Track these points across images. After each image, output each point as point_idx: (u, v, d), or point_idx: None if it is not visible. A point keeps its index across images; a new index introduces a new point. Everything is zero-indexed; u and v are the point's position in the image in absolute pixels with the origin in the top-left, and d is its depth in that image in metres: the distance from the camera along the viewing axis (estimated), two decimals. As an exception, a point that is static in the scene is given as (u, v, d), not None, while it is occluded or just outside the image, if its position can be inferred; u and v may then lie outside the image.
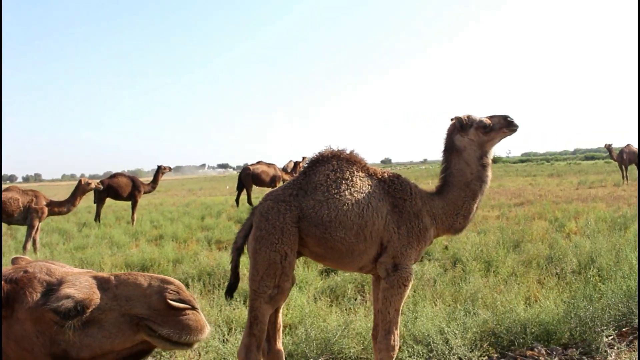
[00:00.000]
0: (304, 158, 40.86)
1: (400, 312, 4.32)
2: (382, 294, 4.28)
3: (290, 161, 27.30)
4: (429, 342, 5.43)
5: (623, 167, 27.98)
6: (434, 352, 5.34)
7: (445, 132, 4.63)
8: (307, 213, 4.28)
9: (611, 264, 7.77)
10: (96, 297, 3.03)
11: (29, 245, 13.09)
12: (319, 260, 4.49)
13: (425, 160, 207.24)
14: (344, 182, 4.39)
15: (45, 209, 13.50)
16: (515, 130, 4.49)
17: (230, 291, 4.58)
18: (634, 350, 5.46)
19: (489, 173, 4.56)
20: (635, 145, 27.76)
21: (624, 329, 5.88)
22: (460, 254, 9.55)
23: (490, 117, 4.47)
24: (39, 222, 13.39)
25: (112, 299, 3.14)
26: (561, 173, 45.17)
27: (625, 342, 5.47)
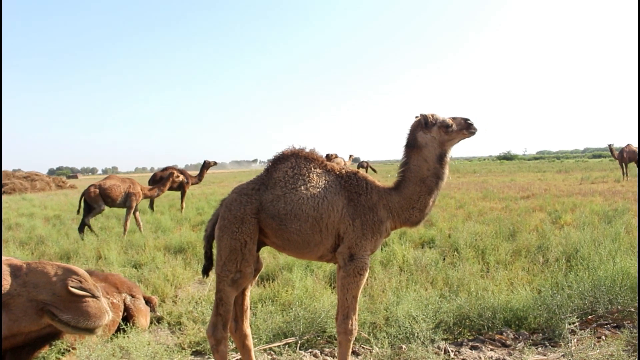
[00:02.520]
0: (335, 155, 41.36)
1: (357, 298, 4.16)
2: (340, 282, 4.14)
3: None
4: (400, 325, 5.27)
5: (623, 164, 27.58)
6: (402, 334, 5.17)
7: (409, 128, 4.41)
8: (266, 206, 4.18)
9: (592, 255, 7.45)
10: (6, 283, 2.96)
11: (129, 224, 13.99)
12: (281, 250, 4.37)
13: (449, 157, 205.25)
14: (300, 177, 4.26)
15: (141, 193, 14.44)
16: (473, 133, 4.25)
17: (205, 271, 4.51)
18: (597, 337, 5.19)
19: (446, 170, 4.33)
20: (634, 145, 27.22)
21: (589, 317, 5.60)
22: (459, 242, 9.32)
23: (453, 118, 4.24)
24: (136, 204, 14.29)
25: (22, 285, 3.07)
26: (568, 170, 44.19)
27: (588, 329, 5.18)
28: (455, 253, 8.92)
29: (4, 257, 3.04)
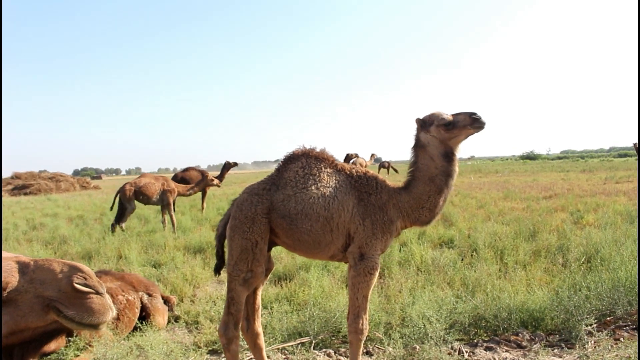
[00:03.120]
0: (372, 155, 41.55)
1: (368, 298, 4.14)
2: (351, 282, 4.13)
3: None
4: (414, 325, 5.25)
5: (649, 164, 26.91)
6: (416, 335, 5.14)
7: (415, 129, 4.39)
8: (277, 206, 4.19)
9: (613, 255, 7.34)
10: (14, 280, 3.03)
11: (175, 218, 14.45)
12: (292, 250, 4.37)
13: (472, 156, 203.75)
14: (311, 177, 4.26)
15: (176, 190, 14.83)
16: (481, 128, 4.09)
17: (217, 269, 4.53)
18: (615, 339, 5.11)
19: (456, 168, 4.22)
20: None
21: (607, 318, 5.51)
22: (478, 243, 9.25)
23: (455, 115, 4.14)
24: (172, 200, 14.64)
25: (29, 282, 3.13)
26: (593, 169, 43.53)
27: (606, 332, 5.10)
28: (474, 253, 8.86)
29: (13, 255, 3.12)
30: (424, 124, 4.22)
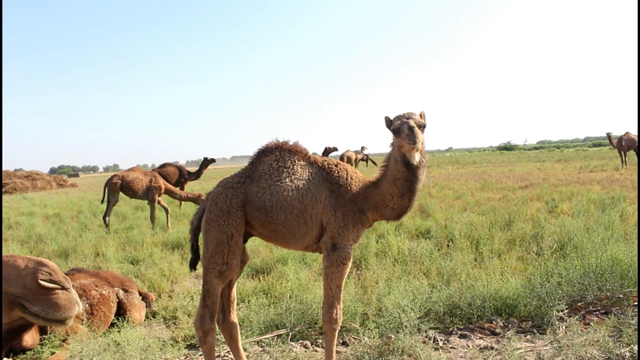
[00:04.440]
0: (362, 147, 41.76)
1: (342, 288, 4.18)
2: (324, 272, 4.17)
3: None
4: (389, 315, 5.31)
5: (622, 153, 27.47)
6: (392, 324, 5.20)
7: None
8: (252, 198, 4.21)
9: (584, 242, 7.47)
10: None
11: (155, 215, 14.42)
12: (267, 240, 4.41)
13: (450, 148, 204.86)
14: (285, 170, 4.29)
15: (163, 187, 14.76)
16: (411, 144, 3.90)
17: (193, 264, 4.55)
18: (585, 324, 5.22)
19: (419, 176, 4.14)
20: (633, 133, 27.11)
21: (578, 304, 5.62)
22: (454, 233, 9.34)
23: (403, 121, 4.01)
24: (159, 196, 14.64)
25: None
26: (568, 159, 44.15)
27: (577, 317, 5.20)
28: (450, 243, 8.96)
29: None
30: (389, 125, 4.21)
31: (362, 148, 42.51)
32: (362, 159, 42.36)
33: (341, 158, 36.92)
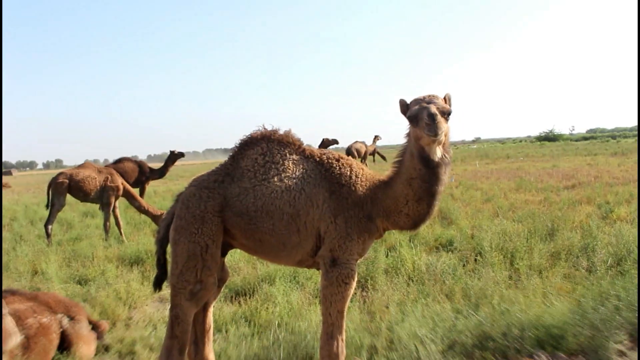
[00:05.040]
0: (375, 137, 41.67)
1: (344, 314, 4.17)
2: (322, 293, 4.16)
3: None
4: (404, 347, 5.29)
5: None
6: (407, 359, 5.19)
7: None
8: (232, 201, 4.20)
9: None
10: None
11: (109, 223, 14.25)
12: (251, 253, 4.41)
13: (477, 138, 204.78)
14: (273, 166, 4.28)
15: (121, 188, 14.60)
16: (432, 136, 3.88)
17: (158, 283, 4.53)
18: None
19: (442, 175, 4.13)
20: None
21: (643, 334, 5.62)
22: (483, 244, 9.33)
23: (422, 107, 3.98)
24: (115, 200, 14.49)
25: None
26: (626, 151, 43.99)
27: (640, 350, 5.20)
28: (479, 258, 8.95)
29: None
30: (405, 110, 4.17)
31: (375, 138, 42.17)
32: (372, 153, 41.89)
33: (348, 151, 36.82)
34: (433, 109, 3.86)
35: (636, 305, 5.73)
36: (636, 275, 6.54)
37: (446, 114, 3.99)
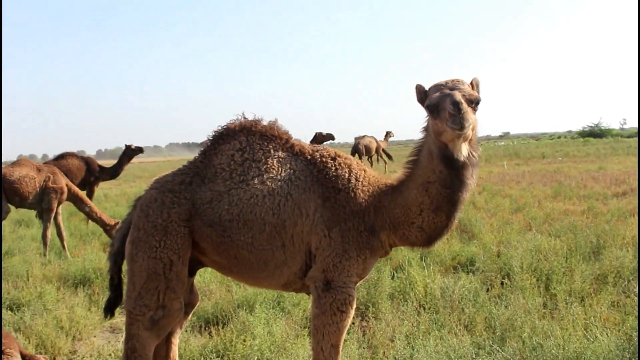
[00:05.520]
0: (387, 133, 41.66)
1: (340, 348, 4.18)
2: (313, 324, 4.16)
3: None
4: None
5: None
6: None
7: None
8: (202, 208, 4.19)
9: None
10: None
11: (49, 234, 13.96)
12: (226, 273, 4.41)
13: (506, 133, 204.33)
14: (254, 165, 4.27)
15: (65, 190, 14.31)
16: (458, 129, 3.85)
17: (110, 308, 4.52)
18: None
19: (467, 179, 4.15)
20: None
21: None
22: (512, 264, 9.34)
23: (445, 93, 3.96)
24: (58, 205, 14.26)
25: None
26: (691, 151, 44.15)
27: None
28: (506, 281, 8.96)
29: None
30: (423, 98, 4.16)
31: (387, 134, 41.83)
32: (383, 151, 41.25)
33: (355, 148, 36.50)
34: (458, 96, 3.83)
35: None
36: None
37: (474, 103, 3.97)
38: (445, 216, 4.19)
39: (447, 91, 3.93)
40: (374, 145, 38.28)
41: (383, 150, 42.90)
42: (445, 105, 3.84)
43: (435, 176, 4.08)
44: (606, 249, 10.57)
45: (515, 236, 12.07)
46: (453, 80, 4.04)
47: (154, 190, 4.31)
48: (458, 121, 3.77)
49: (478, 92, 4.09)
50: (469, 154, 4.05)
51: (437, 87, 4.05)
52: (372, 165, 38.58)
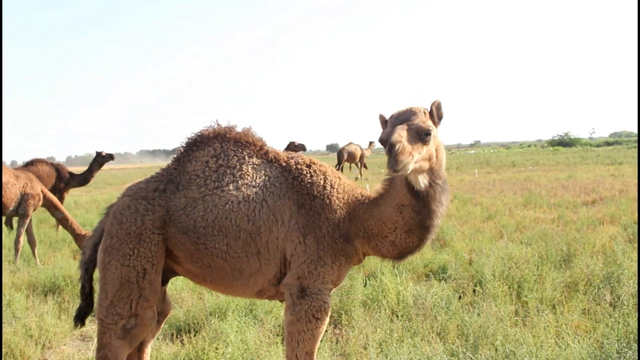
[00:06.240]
0: (371, 143, 42.10)
1: (314, 355, 4.18)
2: (287, 331, 4.16)
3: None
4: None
5: None
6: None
7: None
8: (176, 215, 4.18)
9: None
10: None
11: (22, 240, 13.70)
12: (200, 282, 4.39)
13: (477, 142, 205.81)
14: (228, 171, 4.28)
15: (41, 196, 14.11)
16: (391, 170, 3.91)
17: (80, 316, 4.48)
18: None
19: (436, 207, 4.19)
20: None
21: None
22: (484, 272, 9.38)
23: (387, 132, 4.08)
24: (33, 211, 14.04)
25: None
26: (658, 160, 44.63)
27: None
28: (478, 288, 9.00)
29: None
30: (383, 128, 4.24)
31: (371, 144, 42.40)
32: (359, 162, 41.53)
33: (339, 154, 37.31)
34: (395, 135, 3.87)
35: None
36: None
37: (423, 135, 3.97)
38: (417, 238, 4.24)
39: (390, 129, 4.00)
40: (358, 153, 38.86)
41: (361, 160, 43.09)
42: (385, 144, 3.93)
43: (407, 201, 4.13)
44: (577, 256, 10.65)
45: (486, 244, 12.13)
46: (407, 110, 4.07)
47: (127, 197, 4.28)
48: (391, 163, 3.83)
49: (439, 115, 4.13)
50: (430, 183, 4.09)
51: (391, 119, 4.11)
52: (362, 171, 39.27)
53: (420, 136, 3.94)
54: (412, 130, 3.89)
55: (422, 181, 4.04)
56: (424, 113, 4.09)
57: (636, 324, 6.42)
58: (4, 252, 14.61)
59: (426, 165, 4.01)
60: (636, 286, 8.42)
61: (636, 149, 72.78)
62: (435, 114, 4.13)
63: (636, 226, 13.94)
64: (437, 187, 4.11)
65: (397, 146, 3.80)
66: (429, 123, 4.04)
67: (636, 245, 11.94)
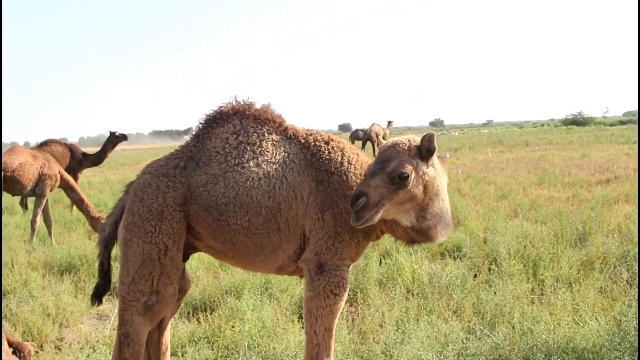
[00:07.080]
0: (389, 122, 42.86)
1: (333, 332, 4.18)
2: (306, 307, 4.16)
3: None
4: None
5: None
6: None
7: None
8: (197, 192, 4.18)
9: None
10: None
11: (39, 220, 13.77)
12: (222, 258, 4.38)
13: (489, 122, 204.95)
14: (248, 148, 4.26)
15: (58, 177, 14.18)
16: (355, 224, 4.00)
17: (98, 294, 4.48)
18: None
19: (431, 234, 4.32)
20: None
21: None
22: (499, 250, 9.36)
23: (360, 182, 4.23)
24: (49, 191, 14.09)
25: None
26: (673, 138, 44.30)
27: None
28: (493, 267, 8.98)
29: None
30: None
31: (389, 123, 43.03)
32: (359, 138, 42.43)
33: (367, 135, 38.75)
34: (362, 187, 3.94)
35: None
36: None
37: (396, 179, 3.98)
38: (427, 239, 4.28)
39: (363, 177, 4.14)
40: (381, 133, 39.52)
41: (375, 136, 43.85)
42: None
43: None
44: (592, 235, 10.61)
45: (501, 223, 12.09)
46: (390, 147, 4.09)
47: (147, 175, 4.27)
48: (352, 217, 3.90)
49: (431, 148, 4.08)
50: (417, 219, 4.12)
51: (375, 160, 4.15)
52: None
53: (394, 180, 3.95)
54: (384, 175, 3.91)
55: (408, 219, 4.10)
56: (409, 149, 4.06)
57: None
58: (19, 232, 14.65)
59: (407, 206, 4.03)
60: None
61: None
62: (425, 147, 4.08)
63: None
64: (428, 221, 4.15)
65: (359, 200, 3.87)
66: (408, 164, 4.01)
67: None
